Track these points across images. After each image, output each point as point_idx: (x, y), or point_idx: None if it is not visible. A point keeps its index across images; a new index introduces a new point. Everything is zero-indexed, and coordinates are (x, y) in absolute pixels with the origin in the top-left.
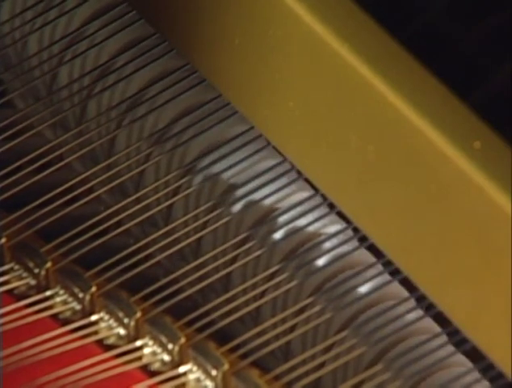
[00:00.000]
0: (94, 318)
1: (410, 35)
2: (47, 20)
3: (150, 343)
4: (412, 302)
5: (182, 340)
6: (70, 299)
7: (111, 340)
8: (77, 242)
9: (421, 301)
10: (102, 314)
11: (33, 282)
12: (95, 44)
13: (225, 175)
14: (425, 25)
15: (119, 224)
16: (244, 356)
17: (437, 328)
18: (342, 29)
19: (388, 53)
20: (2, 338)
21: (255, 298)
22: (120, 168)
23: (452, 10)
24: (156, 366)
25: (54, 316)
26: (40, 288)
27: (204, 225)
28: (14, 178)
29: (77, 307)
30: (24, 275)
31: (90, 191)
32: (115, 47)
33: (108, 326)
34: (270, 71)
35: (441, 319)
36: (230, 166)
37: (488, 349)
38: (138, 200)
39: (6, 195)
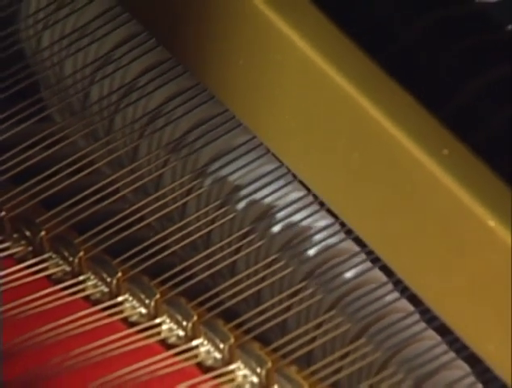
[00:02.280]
0: (119, 299)
1: (389, 57)
2: (80, 46)
3: (167, 320)
4: (390, 286)
5: (195, 318)
6: (99, 283)
7: (134, 318)
8: (105, 234)
9: (398, 284)
10: (126, 296)
11: (68, 269)
12: (121, 66)
13: (231, 178)
14: (402, 48)
15: (141, 219)
16: (247, 331)
17: (411, 307)
18: (331, 54)
19: (369, 74)
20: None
21: (257, 282)
22: (142, 172)
23: (428, 36)
24: (172, 340)
25: (86, 297)
26: (74, 274)
27: (213, 221)
28: (52, 180)
29: (105, 290)
30: (60, 262)
31: (117, 191)
32: (137, 69)
33: (132, 306)
34: (269, 89)
35: (414, 300)
36: (235, 170)
37: (452, 323)
38: (157, 199)
39: (45, 194)
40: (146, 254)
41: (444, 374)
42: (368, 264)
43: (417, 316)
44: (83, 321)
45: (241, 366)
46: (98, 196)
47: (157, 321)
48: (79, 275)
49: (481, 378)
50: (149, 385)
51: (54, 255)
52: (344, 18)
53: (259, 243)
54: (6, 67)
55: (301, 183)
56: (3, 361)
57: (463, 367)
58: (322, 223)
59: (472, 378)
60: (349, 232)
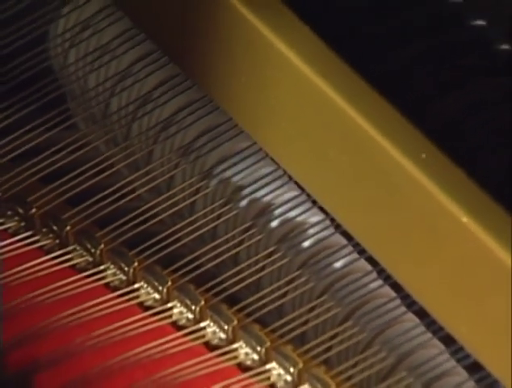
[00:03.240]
0: (136, 286)
1: (375, 73)
2: (102, 63)
3: (178, 305)
4: (374, 274)
5: (202, 303)
6: (118, 272)
7: (149, 302)
8: (123, 229)
9: (381, 273)
10: (142, 283)
11: (90, 259)
12: (137, 80)
13: (234, 179)
14: (387, 65)
15: (155, 215)
16: (248, 314)
17: (393, 293)
18: (322, 70)
19: (356, 88)
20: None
21: (257, 271)
22: (156, 173)
23: (408, 54)
24: (182, 322)
25: (106, 285)
26: (96, 264)
27: (219, 217)
28: (77, 180)
29: (123, 278)
30: (84, 254)
31: (133, 190)
32: (152, 83)
33: (146, 292)
34: (268, 100)
35: (396, 286)
36: (238, 172)
37: (429, 307)
38: (169, 198)
39: (70, 193)
40: (159, 246)
41: (422, 352)
42: (355, 255)
43: (398, 301)
44: (104, 305)
45: (243, 345)
46: (117, 194)
47: (169, 305)
48: (100, 265)
49: (455, 357)
50: (162, 363)
51: (78, 247)
52: (333, 37)
53: (259, 237)
54: (38, 81)
55: (296, 183)
56: (37, 340)
57: (438, 346)
58: (314, 219)
59: (446, 355)
60: (338, 226)
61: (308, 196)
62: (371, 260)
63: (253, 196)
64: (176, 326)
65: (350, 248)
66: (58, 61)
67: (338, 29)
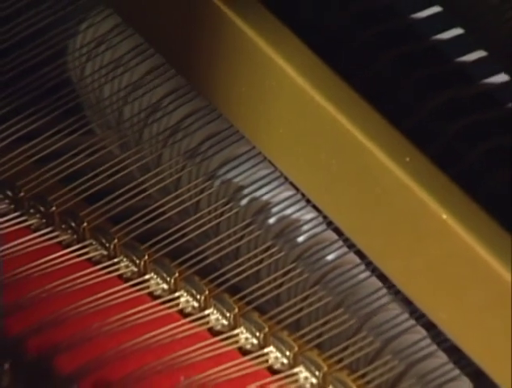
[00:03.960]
0: (146, 277)
1: (363, 83)
2: (115, 75)
3: (185, 294)
4: (362, 266)
5: (206, 292)
6: (130, 264)
7: (158, 292)
8: (135, 225)
9: (369, 265)
10: (151, 274)
11: (105, 253)
12: (148, 91)
13: (236, 180)
14: (372, 76)
15: (163, 213)
16: (248, 303)
17: (380, 284)
18: (315, 81)
19: (345, 96)
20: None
21: (256, 264)
22: (165, 175)
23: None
24: (188, 310)
25: (119, 276)
26: (110, 257)
27: (221, 214)
28: (93, 181)
29: (135, 269)
30: (99, 248)
31: (144, 190)
32: (161, 92)
33: (156, 282)
34: (265, 108)
35: (382, 277)
36: (239, 174)
37: (412, 295)
38: (176, 197)
39: (87, 193)
40: (167, 241)
41: (405, 337)
42: (345, 249)
43: (384, 290)
44: (117, 294)
45: (243, 331)
46: (129, 194)
47: (176, 294)
48: (114, 257)
49: (436, 340)
50: (170, 347)
51: (94, 242)
52: (324, 50)
53: (258, 232)
54: (58, 91)
55: (291, 183)
56: (56, 326)
57: (421, 332)
58: (308, 216)
59: (428, 340)
60: (330, 223)
61: (303, 195)
62: (359, 254)
63: (253, 195)
64: (183, 313)
65: (340, 243)
66: (76, 73)
67: (328, 42)
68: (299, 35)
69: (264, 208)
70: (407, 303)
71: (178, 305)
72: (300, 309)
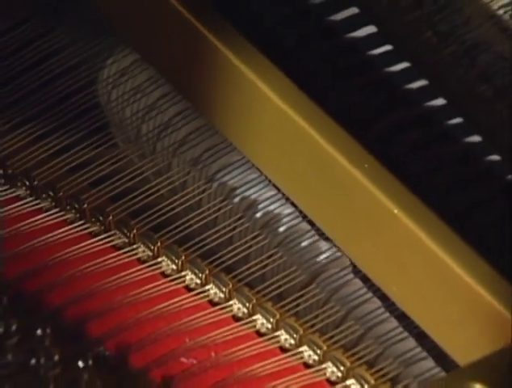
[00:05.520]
0: (159, 259)
1: (331, 106)
2: (135, 99)
3: (189, 273)
4: (332, 251)
5: (207, 272)
6: (146, 249)
7: (168, 272)
8: (149, 219)
9: (337, 250)
10: (163, 258)
11: (126, 240)
12: (160, 112)
13: (230, 182)
14: (340, 101)
15: (172, 209)
16: (240, 280)
17: (346, 263)
18: (293, 104)
19: (316, 116)
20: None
21: (246, 249)
22: (174, 178)
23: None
24: (192, 286)
25: (138, 259)
26: (130, 244)
27: (218, 210)
28: (117, 184)
29: (150, 254)
30: (121, 236)
31: (157, 191)
32: (172, 112)
33: (167, 264)
34: (253, 126)
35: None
36: (232, 177)
37: (369, 272)
38: (183, 196)
39: (112, 193)
40: (176, 231)
41: (365, 306)
42: (316, 237)
43: (349, 269)
44: (135, 274)
45: (236, 302)
46: (145, 194)
47: (183, 273)
48: (133, 244)
49: (391, 310)
50: (178, 315)
51: (117, 232)
52: (301, 77)
53: (247, 224)
54: (89, 112)
55: (274, 185)
56: (87, 299)
57: (376, 302)
58: (288, 211)
59: (382, 309)
60: (305, 216)
61: (283, 194)
62: (328, 240)
63: (243, 194)
64: (188, 288)
65: (313, 232)
66: (104, 98)
67: (304, 71)
68: (279, 67)
69: (252, 205)
70: (366, 279)
71: (184, 281)
72: (281, 285)
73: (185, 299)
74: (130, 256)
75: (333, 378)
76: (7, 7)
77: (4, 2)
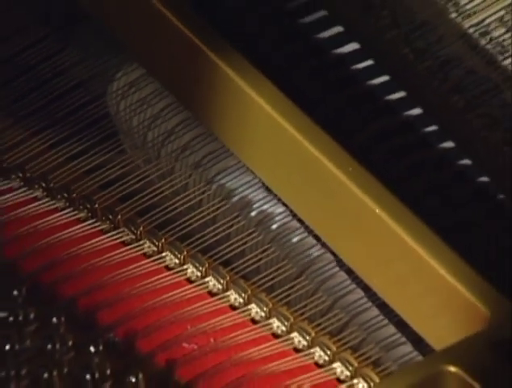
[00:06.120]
0: (163, 254)
1: (320, 117)
2: (142, 110)
3: (191, 266)
4: (319, 246)
5: (206, 265)
6: (151, 245)
7: (171, 265)
8: (154, 217)
9: (324, 245)
10: (167, 253)
11: (133, 237)
12: (164, 121)
13: (227, 184)
14: (327, 111)
15: (175, 209)
16: (236, 273)
17: (331, 257)
18: (284, 114)
19: (306, 125)
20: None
21: (242, 244)
22: (177, 181)
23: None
24: (193, 278)
25: (144, 254)
26: (137, 240)
27: (217, 209)
28: (125, 186)
29: (155, 249)
30: (129, 233)
31: (162, 192)
32: (175, 121)
33: (170, 258)
34: (249, 134)
35: (332, 253)
36: (230, 180)
37: (352, 265)
38: (185, 197)
39: (121, 194)
40: (178, 228)
41: (350, 296)
42: (306, 234)
43: (335, 263)
44: (142, 267)
45: (233, 293)
46: (151, 195)
47: (185, 267)
48: (140, 240)
49: (373, 300)
50: (180, 304)
51: (125, 229)
52: (292, 89)
53: (243, 222)
54: (100, 121)
55: (267, 188)
56: (99, 290)
57: (360, 292)
58: (280, 210)
59: (365, 299)
60: (294, 215)
61: (275, 195)
62: (316, 237)
63: (240, 195)
64: (189, 280)
65: (302, 229)
66: (113, 108)
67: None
68: (272, 81)
69: (248, 205)
70: (350, 272)
71: (185, 274)
72: (274, 277)
73: (187, 290)
74: (137, 251)
75: (321, 362)
76: (27, 26)
77: (25, 22)
